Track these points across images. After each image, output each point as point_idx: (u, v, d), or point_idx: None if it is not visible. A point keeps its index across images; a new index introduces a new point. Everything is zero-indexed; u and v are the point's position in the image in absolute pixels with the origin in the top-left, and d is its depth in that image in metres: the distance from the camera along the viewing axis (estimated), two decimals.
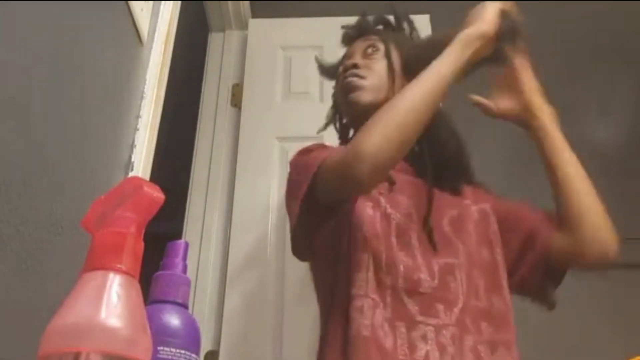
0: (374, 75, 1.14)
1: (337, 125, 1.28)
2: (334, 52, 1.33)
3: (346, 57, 1.23)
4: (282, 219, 1.76)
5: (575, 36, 2.28)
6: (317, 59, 1.39)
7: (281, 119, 1.94)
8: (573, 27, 2.29)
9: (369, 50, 1.18)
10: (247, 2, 2.24)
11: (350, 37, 1.26)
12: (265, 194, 1.82)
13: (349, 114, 1.20)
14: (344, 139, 1.25)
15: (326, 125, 1.31)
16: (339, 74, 1.22)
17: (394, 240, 0.98)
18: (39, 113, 0.72)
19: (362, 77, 1.13)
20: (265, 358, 1.60)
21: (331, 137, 1.28)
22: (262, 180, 1.84)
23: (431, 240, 1.00)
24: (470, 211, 1.08)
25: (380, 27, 1.26)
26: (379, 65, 1.15)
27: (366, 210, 0.99)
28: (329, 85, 1.33)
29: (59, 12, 0.77)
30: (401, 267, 0.95)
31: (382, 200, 1.01)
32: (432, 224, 1.01)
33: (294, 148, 1.94)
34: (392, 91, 1.10)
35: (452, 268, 0.98)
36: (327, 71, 1.33)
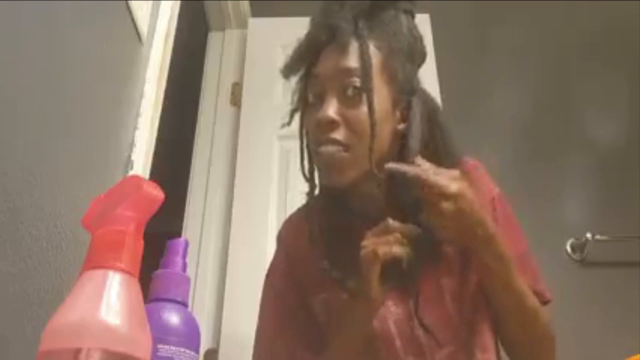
0: (359, 139, 0.86)
1: (306, 170, 0.99)
2: None
3: (317, 82, 0.91)
4: (282, 219, 1.76)
5: (574, 36, 2.28)
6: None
7: (281, 118, 1.93)
8: (573, 26, 2.29)
9: (349, 91, 0.88)
10: (247, 1, 2.24)
11: (319, 43, 0.93)
12: (265, 193, 1.82)
13: (328, 189, 0.97)
14: (310, 184, 1.00)
15: (290, 121, 1.01)
16: (311, 103, 0.93)
17: (398, 344, 0.89)
18: (38, 112, 0.73)
19: (344, 148, 0.86)
20: None
21: None
22: (262, 179, 1.84)
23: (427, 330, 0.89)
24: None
25: (361, 22, 0.91)
26: (364, 118, 0.86)
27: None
28: None
29: (59, 12, 0.77)
30: None
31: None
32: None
33: (294, 147, 1.95)
34: (371, 158, 0.86)
35: (454, 357, 0.89)
36: (286, 72, 0.98)
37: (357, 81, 0.88)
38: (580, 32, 2.28)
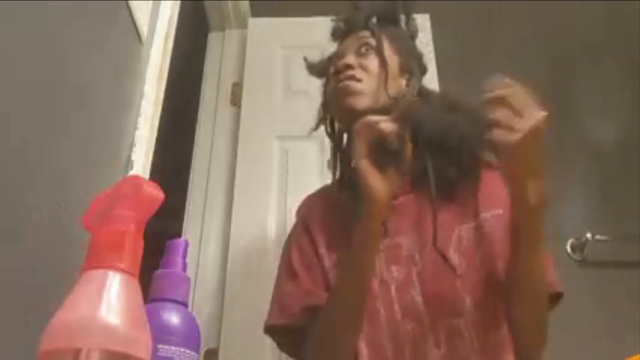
0: (370, 77, 1.04)
1: (329, 128, 1.19)
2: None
3: (337, 55, 1.12)
4: (281, 218, 1.76)
5: (573, 35, 2.28)
6: (305, 59, 1.28)
7: (281, 118, 1.94)
8: (572, 26, 2.29)
9: (363, 49, 1.08)
10: (247, 1, 2.24)
11: (340, 32, 1.16)
12: (265, 193, 1.82)
13: (344, 119, 1.10)
14: (337, 145, 1.16)
15: (317, 125, 1.22)
16: (330, 73, 1.12)
17: (397, 309, 0.94)
18: (38, 112, 0.73)
19: (358, 80, 1.04)
20: (265, 356, 1.60)
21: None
22: (262, 179, 1.84)
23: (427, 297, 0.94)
24: (479, 231, 0.97)
25: (374, 20, 1.14)
26: (375, 65, 1.06)
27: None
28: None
29: (59, 12, 0.77)
30: (406, 349, 0.91)
31: (379, 260, 0.95)
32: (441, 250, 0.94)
33: (294, 147, 1.97)
34: (385, 92, 1.02)
35: (458, 330, 0.91)
36: (316, 69, 1.22)
37: (369, 41, 1.08)
38: (580, 32, 2.28)
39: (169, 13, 1.19)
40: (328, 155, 1.77)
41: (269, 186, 1.83)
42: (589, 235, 1.93)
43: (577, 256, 1.97)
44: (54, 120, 0.76)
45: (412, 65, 1.10)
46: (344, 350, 0.92)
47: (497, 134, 0.78)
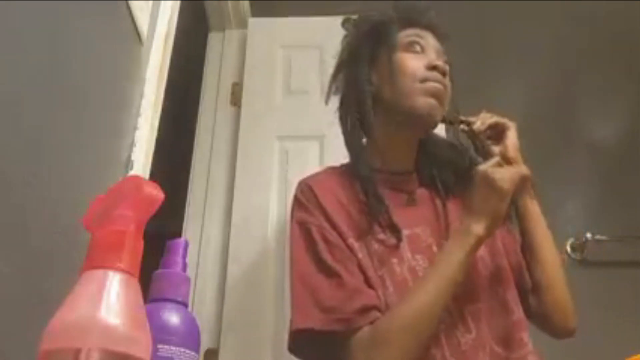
0: (446, 91, 1.05)
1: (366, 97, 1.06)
2: (334, 52, 1.31)
3: (418, 38, 1.07)
4: (281, 218, 1.76)
5: (574, 35, 2.28)
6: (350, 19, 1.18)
7: (281, 118, 1.94)
8: (573, 26, 2.29)
9: (443, 61, 1.06)
10: (247, 1, 2.24)
11: (408, 21, 1.10)
12: (264, 193, 1.82)
13: (408, 119, 1.05)
14: (355, 139, 1.08)
15: (327, 97, 1.15)
16: (406, 43, 1.07)
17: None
18: (38, 112, 0.73)
19: (446, 91, 1.05)
20: (265, 356, 1.60)
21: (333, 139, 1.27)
22: (262, 179, 1.84)
23: None
24: None
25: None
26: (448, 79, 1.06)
27: (395, 271, 0.95)
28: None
29: (59, 12, 0.77)
30: (442, 338, 0.92)
31: (404, 248, 0.98)
32: None
33: (294, 147, 1.97)
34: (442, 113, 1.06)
35: (479, 313, 0.96)
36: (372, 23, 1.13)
37: (447, 62, 1.06)
38: (581, 32, 2.28)
39: (169, 13, 1.19)
40: (328, 155, 1.78)
41: (269, 186, 1.83)
42: (589, 235, 1.93)
43: (577, 256, 1.97)
44: (53, 121, 0.76)
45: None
46: (419, 352, 0.89)
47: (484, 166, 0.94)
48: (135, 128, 1.04)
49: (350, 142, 1.07)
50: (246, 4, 2.23)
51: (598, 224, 1.95)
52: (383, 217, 0.99)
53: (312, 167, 1.85)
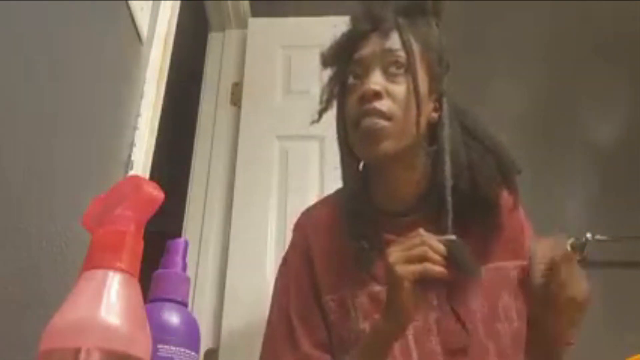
0: (400, 111, 0.89)
1: (344, 149, 0.99)
2: None
3: (359, 64, 0.94)
4: (281, 218, 1.76)
5: (575, 35, 2.28)
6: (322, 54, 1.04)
7: (281, 118, 1.94)
8: (573, 26, 2.29)
9: (393, 68, 0.91)
10: (247, 1, 2.24)
11: (363, 32, 0.95)
12: (264, 192, 1.82)
13: (368, 160, 0.98)
14: (350, 174, 0.99)
15: (320, 114, 1.04)
16: (350, 84, 0.95)
17: (415, 356, 0.87)
18: (38, 112, 0.73)
19: (387, 118, 0.88)
20: None
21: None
22: (262, 179, 1.84)
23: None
24: (501, 276, 0.92)
25: (401, 18, 0.95)
26: (405, 91, 0.90)
27: None
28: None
29: (59, 11, 0.77)
30: None
31: None
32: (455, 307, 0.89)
33: (294, 147, 1.97)
34: (418, 126, 0.90)
35: None
36: (329, 60, 1.01)
37: (400, 57, 0.91)
38: (581, 31, 2.28)
39: (169, 13, 1.19)
40: (328, 155, 1.78)
41: (269, 186, 1.83)
42: (589, 235, 1.93)
43: (577, 256, 1.96)
44: (53, 120, 0.76)
45: (441, 78, 0.96)
46: None
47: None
48: (135, 128, 1.04)
49: (343, 176, 0.99)
50: (246, 4, 2.22)
51: (598, 224, 1.95)
52: (373, 267, 0.90)
53: (312, 167, 1.86)
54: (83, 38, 0.85)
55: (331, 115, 1.15)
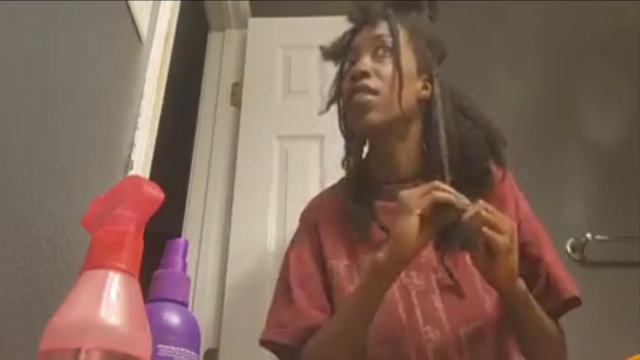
0: (386, 87, 1.00)
1: (343, 128, 1.11)
2: None
3: (352, 51, 1.07)
4: (281, 218, 1.76)
5: (575, 34, 2.28)
6: (321, 47, 1.16)
7: (281, 118, 1.94)
8: (573, 25, 2.29)
9: (380, 51, 1.03)
10: (247, 1, 2.24)
11: (356, 26, 1.09)
12: (264, 192, 1.82)
13: (358, 131, 1.07)
14: (351, 152, 1.10)
15: (328, 105, 1.14)
16: (345, 70, 1.07)
17: (418, 315, 0.93)
18: (38, 112, 0.73)
19: (374, 93, 1.00)
20: (264, 356, 1.60)
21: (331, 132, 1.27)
22: (262, 179, 1.84)
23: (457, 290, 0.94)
24: None
25: (389, 9, 1.07)
26: (391, 72, 1.01)
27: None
28: (329, 84, 1.21)
29: (59, 12, 0.77)
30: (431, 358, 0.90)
31: None
32: (449, 266, 0.95)
33: (294, 147, 1.97)
34: (399, 98, 0.99)
35: (481, 333, 0.92)
36: (331, 54, 1.13)
37: (387, 41, 1.03)
38: (581, 31, 2.28)
39: (169, 13, 1.19)
40: (328, 155, 1.78)
41: (269, 186, 1.83)
42: (589, 235, 1.93)
43: (577, 256, 1.97)
44: (53, 120, 0.76)
45: (431, 61, 1.06)
46: None
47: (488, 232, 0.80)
48: (135, 128, 1.04)
49: (345, 150, 1.10)
50: (246, 4, 2.23)
51: (598, 224, 1.95)
52: (369, 233, 0.99)
53: (312, 167, 1.86)
54: (83, 38, 0.85)
55: (331, 115, 1.16)
